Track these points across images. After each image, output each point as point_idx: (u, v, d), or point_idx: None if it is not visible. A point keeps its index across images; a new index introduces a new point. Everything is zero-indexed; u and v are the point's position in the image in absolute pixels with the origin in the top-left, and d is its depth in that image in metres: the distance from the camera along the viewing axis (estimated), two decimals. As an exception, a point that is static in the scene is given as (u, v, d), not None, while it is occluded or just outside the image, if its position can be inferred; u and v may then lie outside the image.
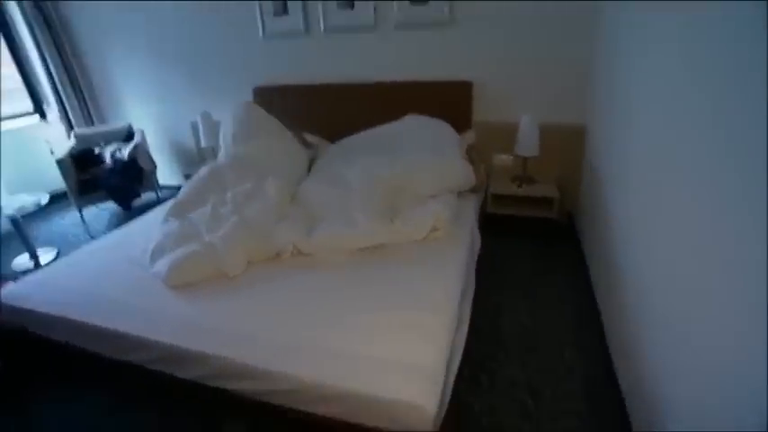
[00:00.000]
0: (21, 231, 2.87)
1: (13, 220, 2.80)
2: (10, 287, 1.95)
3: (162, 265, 1.84)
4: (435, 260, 1.83)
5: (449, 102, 2.93)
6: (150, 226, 2.30)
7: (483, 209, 2.75)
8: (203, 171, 2.56)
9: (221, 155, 2.84)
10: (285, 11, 3.17)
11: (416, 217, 2.00)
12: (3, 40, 3.77)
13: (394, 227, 1.96)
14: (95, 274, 1.94)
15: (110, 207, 3.68)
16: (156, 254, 1.95)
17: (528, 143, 2.71)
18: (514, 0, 2.66)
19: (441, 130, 2.62)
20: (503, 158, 2.98)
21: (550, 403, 1.71)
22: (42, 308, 1.78)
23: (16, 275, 2.74)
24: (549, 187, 2.86)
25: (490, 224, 2.76)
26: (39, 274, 2.03)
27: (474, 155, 2.73)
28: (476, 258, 2.16)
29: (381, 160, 2.35)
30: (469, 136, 2.83)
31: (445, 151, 2.39)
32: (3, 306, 1.88)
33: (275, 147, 2.67)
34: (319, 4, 3.06)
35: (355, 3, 2.97)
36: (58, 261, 2.13)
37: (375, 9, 2.96)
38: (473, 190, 2.50)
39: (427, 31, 2.93)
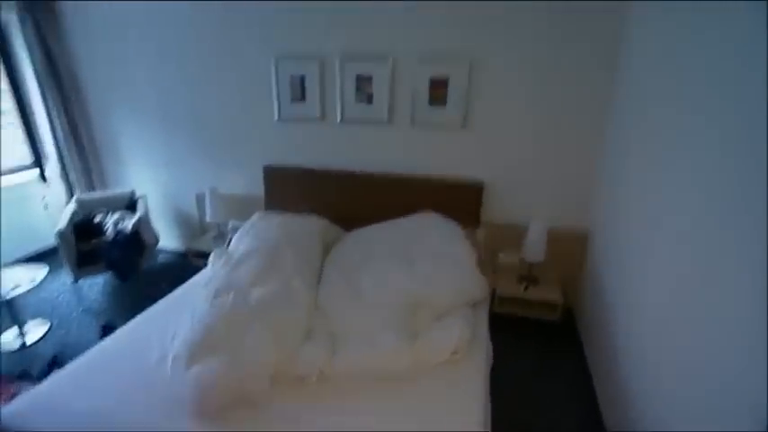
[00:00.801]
0: (13, 311, 2.74)
1: (8, 302, 2.68)
2: (8, 407, 1.82)
3: (186, 381, 1.77)
4: (458, 389, 1.82)
5: (460, 200, 3.04)
6: (164, 324, 2.20)
7: (489, 309, 2.80)
8: (221, 270, 2.48)
9: (235, 244, 2.81)
10: (303, 97, 3.27)
11: (437, 339, 2.02)
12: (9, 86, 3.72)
13: (416, 350, 1.97)
14: (107, 392, 1.81)
15: (104, 275, 3.57)
16: (176, 363, 1.88)
17: (535, 248, 2.82)
18: (527, 114, 2.87)
19: (454, 235, 2.67)
20: (509, 259, 3.07)
21: None
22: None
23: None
24: (553, 290, 2.96)
25: (491, 321, 2.80)
26: (41, 389, 1.86)
27: (483, 257, 2.80)
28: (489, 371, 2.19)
29: (397, 273, 2.36)
30: (479, 237, 2.92)
31: (461, 263, 2.44)
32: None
33: (299, 247, 2.64)
34: (337, 96, 3.17)
35: (374, 99, 3.10)
36: (62, 374, 1.95)
37: (391, 107, 3.09)
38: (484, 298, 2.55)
39: (442, 132, 3.06)
